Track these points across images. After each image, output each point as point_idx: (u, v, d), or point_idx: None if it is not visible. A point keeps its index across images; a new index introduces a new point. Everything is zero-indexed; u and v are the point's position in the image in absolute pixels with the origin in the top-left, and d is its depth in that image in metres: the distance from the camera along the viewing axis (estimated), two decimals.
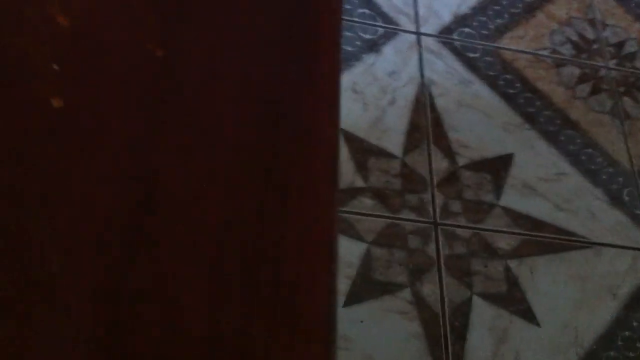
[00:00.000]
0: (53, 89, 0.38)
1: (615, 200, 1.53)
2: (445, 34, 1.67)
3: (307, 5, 0.45)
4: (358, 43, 1.60)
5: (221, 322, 0.35)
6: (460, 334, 1.31)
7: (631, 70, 1.74)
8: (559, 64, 1.71)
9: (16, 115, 0.38)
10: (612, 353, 1.35)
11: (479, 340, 1.31)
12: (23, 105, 0.38)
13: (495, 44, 1.69)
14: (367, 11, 1.64)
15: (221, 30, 0.44)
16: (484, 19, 1.71)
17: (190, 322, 0.35)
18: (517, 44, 1.71)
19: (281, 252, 0.38)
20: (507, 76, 1.65)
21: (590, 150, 1.58)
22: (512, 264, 1.40)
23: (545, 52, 1.72)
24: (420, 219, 1.41)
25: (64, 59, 0.39)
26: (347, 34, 1.60)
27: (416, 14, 1.68)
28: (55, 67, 0.39)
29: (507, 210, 1.46)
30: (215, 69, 0.43)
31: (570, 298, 1.39)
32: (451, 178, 1.47)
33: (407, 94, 1.55)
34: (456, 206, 1.44)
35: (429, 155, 1.49)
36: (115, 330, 0.34)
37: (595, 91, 1.67)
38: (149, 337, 0.35)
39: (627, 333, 1.37)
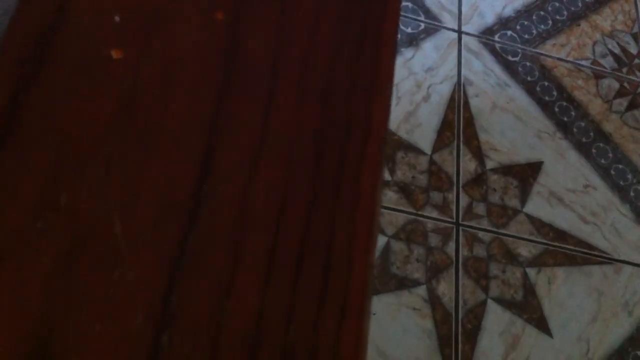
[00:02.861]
0: (114, 40, 0.39)
1: None
2: (486, 35, 1.65)
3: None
4: (398, 36, 1.59)
5: (271, 298, 0.36)
6: (472, 336, 1.31)
7: None
8: (599, 76, 1.69)
9: (78, 65, 0.38)
10: None
11: (489, 345, 1.31)
12: (85, 55, 0.38)
13: (537, 50, 1.68)
14: (410, 4, 1.64)
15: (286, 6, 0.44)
16: (528, 23, 1.70)
17: (241, 297, 0.36)
18: (558, 51, 1.69)
19: (328, 238, 0.38)
20: (545, 83, 1.63)
21: (621, 165, 1.56)
22: (531, 272, 1.39)
23: (585, 63, 1.70)
24: (443, 217, 1.41)
25: (125, 11, 0.40)
26: None
27: (459, 12, 1.66)
28: (117, 18, 0.39)
29: (531, 218, 1.45)
30: (279, 43, 0.43)
31: (585, 311, 1.38)
32: (478, 180, 1.47)
33: (442, 91, 1.54)
34: (480, 208, 1.43)
35: (458, 154, 1.48)
36: (172, 292, 0.35)
37: (632, 106, 1.66)
38: (202, 305, 0.35)
39: (639, 352, 1.36)
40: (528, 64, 1.65)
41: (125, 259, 0.35)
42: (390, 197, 1.40)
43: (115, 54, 0.39)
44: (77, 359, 0.33)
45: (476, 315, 1.33)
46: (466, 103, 1.54)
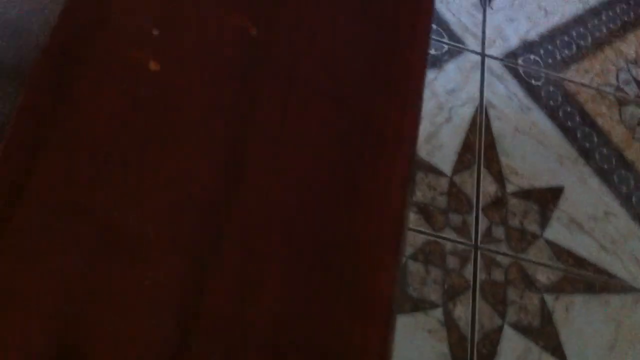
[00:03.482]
0: (151, 53, 0.39)
1: None
2: (510, 59, 1.65)
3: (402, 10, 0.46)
4: None
5: (295, 300, 0.36)
6: None
7: None
8: (622, 103, 1.68)
9: (117, 75, 0.38)
10: None
11: None
12: (124, 65, 0.39)
13: (560, 74, 1.67)
14: (434, 26, 1.64)
15: (315, 23, 0.44)
16: (552, 48, 1.69)
17: (267, 301, 0.36)
18: (582, 77, 1.68)
19: (355, 242, 0.38)
20: (568, 108, 1.62)
21: None
22: (549, 298, 1.38)
23: (609, 89, 1.69)
24: (462, 240, 1.40)
25: (163, 25, 0.40)
26: None
27: (483, 35, 1.66)
28: (155, 32, 0.40)
29: (551, 244, 1.43)
30: (306, 58, 0.43)
31: (602, 340, 1.36)
32: (498, 203, 1.46)
33: (464, 113, 1.54)
34: (499, 232, 1.42)
35: (479, 177, 1.48)
36: (198, 293, 0.35)
37: None
38: (228, 301, 0.35)
39: None
40: (551, 88, 1.64)
41: (153, 261, 0.35)
42: (409, 217, 1.40)
43: (153, 66, 0.39)
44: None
45: (492, 340, 1.32)
46: (488, 126, 1.54)
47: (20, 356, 0.32)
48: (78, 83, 0.38)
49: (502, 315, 1.34)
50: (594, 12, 1.79)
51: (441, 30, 1.64)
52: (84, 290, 0.34)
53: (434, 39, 1.62)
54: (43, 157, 0.36)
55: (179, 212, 0.37)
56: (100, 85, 0.38)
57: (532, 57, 1.67)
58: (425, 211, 1.41)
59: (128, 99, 0.38)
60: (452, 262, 1.37)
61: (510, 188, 1.48)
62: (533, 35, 1.70)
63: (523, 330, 1.33)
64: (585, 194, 1.52)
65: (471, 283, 1.36)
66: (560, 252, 1.43)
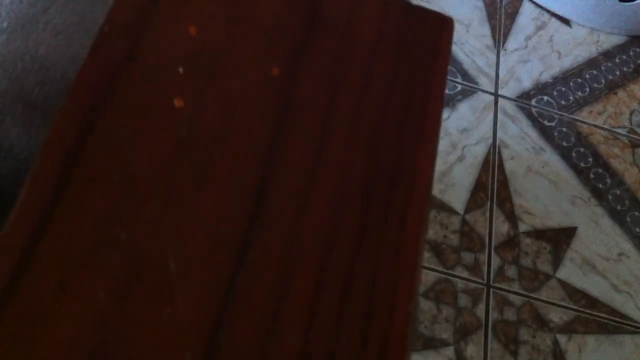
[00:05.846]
0: (177, 90, 0.41)
1: None
2: (523, 99, 1.67)
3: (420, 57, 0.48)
4: None
5: (314, 340, 0.37)
6: None
7: None
8: (635, 145, 1.69)
9: (141, 111, 0.40)
10: None
11: None
12: (149, 101, 0.40)
13: (573, 116, 1.68)
14: (449, 67, 1.66)
15: (340, 69, 0.46)
16: (565, 89, 1.71)
17: (285, 337, 0.37)
18: (594, 118, 1.70)
19: (371, 282, 0.39)
20: (581, 149, 1.63)
21: None
22: (562, 338, 1.37)
23: (622, 131, 1.70)
24: (474, 278, 1.40)
25: (189, 64, 0.42)
26: None
27: (497, 75, 1.68)
28: (181, 70, 0.41)
29: (564, 284, 1.43)
30: (330, 97, 0.45)
31: None
32: (510, 242, 1.46)
33: (477, 152, 1.55)
34: (512, 271, 1.43)
35: (491, 216, 1.48)
36: (218, 330, 0.36)
37: None
38: (247, 344, 0.36)
39: None
40: (564, 129, 1.65)
41: (176, 295, 0.36)
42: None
43: (177, 103, 0.41)
44: None
45: None
46: (500, 165, 1.55)
47: None
48: (104, 118, 0.39)
49: (514, 355, 1.33)
50: (607, 55, 1.81)
51: (455, 71, 1.66)
52: (109, 324, 0.35)
53: (448, 79, 1.64)
54: (68, 190, 0.37)
55: (203, 247, 0.38)
56: (125, 120, 0.40)
57: (545, 98, 1.68)
58: (437, 249, 1.41)
59: (152, 133, 0.40)
60: (463, 300, 1.37)
61: (522, 227, 1.48)
62: (546, 76, 1.72)
63: None
64: (598, 235, 1.52)
65: (483, 322, 1.36)
66: (573, 293, 1.43)
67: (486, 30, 1.75)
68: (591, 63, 1.78)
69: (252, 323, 0.37)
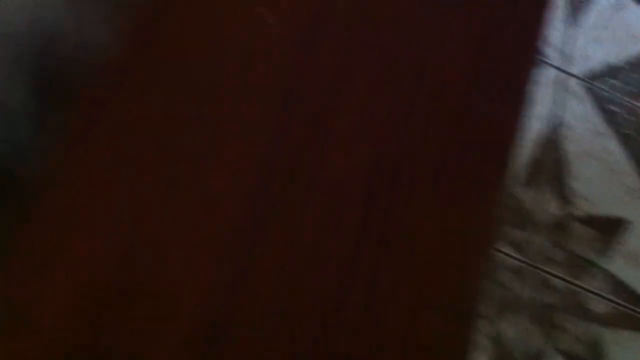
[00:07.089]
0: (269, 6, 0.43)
1: None
2: (591, 80, 1.61)
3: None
4: None
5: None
6: None
7: None
8: None
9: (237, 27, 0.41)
10: None
11: None
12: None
13: None
14: None
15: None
16: (637, 76, 1.65)
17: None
18: None
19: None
20: None
21: None
22: (599, 329, 1.35)
23: None
24: (518, 256, 1.37)
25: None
26: None
27: (569, 51, 1.62)
28: None
29: (609, 275, 1.40)
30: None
31: None
32: (560, 225, 1.42)
33: (537, 128, 1.50)
34: (558, 255, 1.39)
35: (543, 195, 1.44)
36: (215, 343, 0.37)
37: None
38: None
39: None
40: (629, 117, 1.60)
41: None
42: None
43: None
44: None
45: None
46: (559, 145, 1.50)
47: None
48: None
49: (549, 339, 1.31)
50: None
51: None
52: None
53: None
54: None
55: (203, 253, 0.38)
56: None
57: (613, 81, 1.62)
58: None
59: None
60: (505, 277, 1.35)
61: (575, 212, 1.45)
62: (619, 60, 1.66)
63: (568, 358, 1.31)
64: None
65: (521, 301, 1.33)
66: (617, 285, 1.40)
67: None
68: None
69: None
